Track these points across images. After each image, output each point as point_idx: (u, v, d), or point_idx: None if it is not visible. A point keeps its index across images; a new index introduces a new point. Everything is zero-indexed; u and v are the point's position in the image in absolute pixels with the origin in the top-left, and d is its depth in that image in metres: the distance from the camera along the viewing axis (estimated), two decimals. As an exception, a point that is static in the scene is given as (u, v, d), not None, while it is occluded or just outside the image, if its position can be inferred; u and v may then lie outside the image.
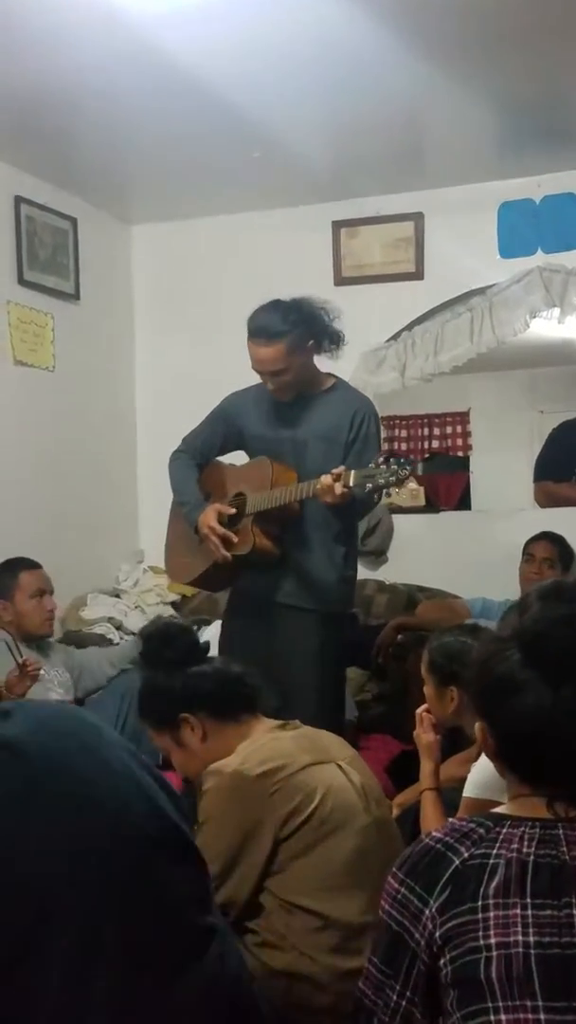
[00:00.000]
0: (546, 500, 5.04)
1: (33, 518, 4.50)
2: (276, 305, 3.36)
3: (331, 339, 3.44)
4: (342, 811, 2.19)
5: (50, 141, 4.30)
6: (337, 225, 4.99)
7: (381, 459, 3.09)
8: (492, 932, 1.30)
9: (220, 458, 3.72)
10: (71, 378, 4.87)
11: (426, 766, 2.75)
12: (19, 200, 4.56)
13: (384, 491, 3.08)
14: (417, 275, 4.89)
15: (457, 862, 1.36)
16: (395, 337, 4.94)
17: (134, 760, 1.57)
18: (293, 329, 3.31)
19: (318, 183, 4.77)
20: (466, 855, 1.37)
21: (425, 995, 1.36)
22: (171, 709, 2.37)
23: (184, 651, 2.45)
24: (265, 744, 2.29)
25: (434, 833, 1.44)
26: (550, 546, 4.51)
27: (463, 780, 2.53)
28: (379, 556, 5.15)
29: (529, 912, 1.30)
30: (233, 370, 3.57)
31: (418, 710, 2.84)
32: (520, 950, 1.29)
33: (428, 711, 2.82)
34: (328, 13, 3.22)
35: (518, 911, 1.31)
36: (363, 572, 4.97)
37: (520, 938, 1.29)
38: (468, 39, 3.46)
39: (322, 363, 3.55)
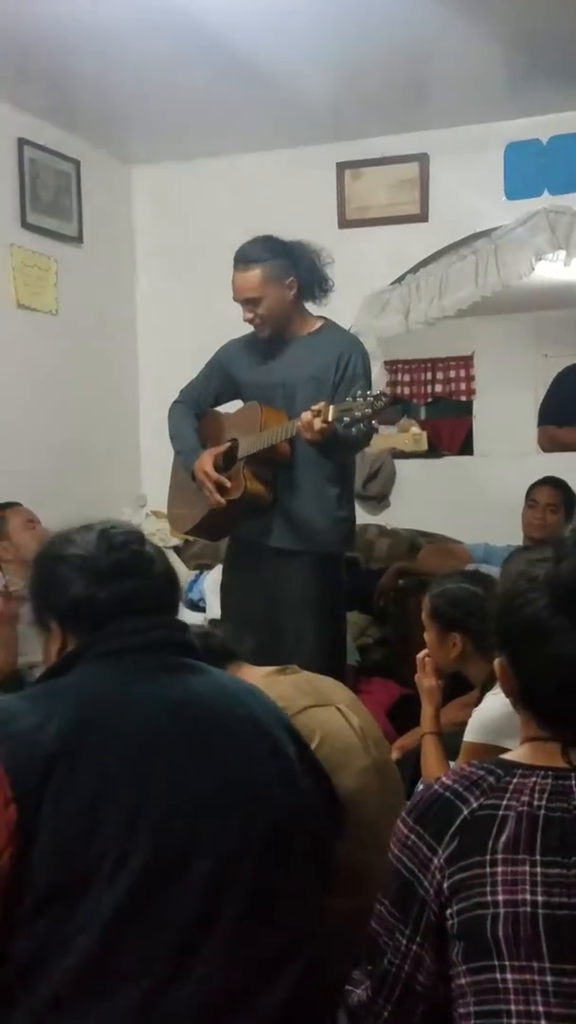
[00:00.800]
0: (550, 445, 5.00)
1: (35, 462, 4.48)
2: (262, 237, 3.40)
3: (319, 285, 3.46)
4: (341, 752, 2.17)
5: (52, 82, 4.23)
6: (341, 167, 4.90)
7: (358, 392, 3.10)
8: (500, 889, 1.28)
9: (218, 408, 3.71)
10: (74, 322, 4.82)
11: (427, 710, 2.75)
12: (22, 142, 4.48)
13: (363, 424, 3.10)
14: (422, 217, 4.82)
15: (466, 812, 1.34)
16: (399, 280, 4.88)
17: (294, 742, 1.70)
18: (271, 258, 3.35)
19: (321, 123, 4.68)
20: (475, 805, 1.34)
21: (435, 942, 1.35)
22: None
23: None
24: (263, 688, 2.29)
25: (443, 779, 1.41)
26: (553, 491, 4.46)
27: (464, 724, 2.53)
28: (381, 501, 5.13)
29: (538, 870, 1.28)
30: (234, 313, 3.53)
31: (419, 655, 2.83)
32: (528, 909, 1.26)
33: (429, 656, 2.81)
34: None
35: (527, 868, 1.28)
36: (365, 517, 4.96)
37: (528, 897, 1.27)
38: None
39: (322, 309, 3.54)
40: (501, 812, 1.33)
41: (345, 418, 3.05)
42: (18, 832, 1.38)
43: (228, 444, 3.47)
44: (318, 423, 3.07)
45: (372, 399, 3.04)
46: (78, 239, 4.85)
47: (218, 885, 1.45)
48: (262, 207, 4.74)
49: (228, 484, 3.39)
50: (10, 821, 1.38)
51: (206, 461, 3.43)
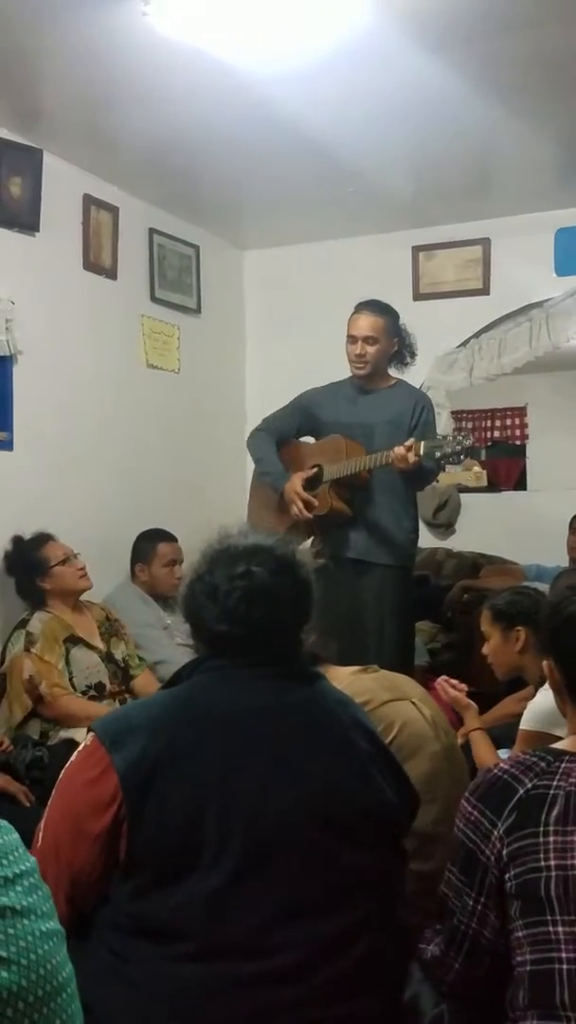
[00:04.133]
0: (592, 482, 4.93)
1: (160, 494, 4.53)
2: (382, 301, 3.53)
3: (409, 351, 3.56)
4: (416, 739, 2.16)
5: (177, 182, 4.30)
6: (416, 249, 4.89)
7: (447, 435, 3.18)
8: (552, 855, 1.27)
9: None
10: (193, 379, 4.87)
11: (467, 715, 2.73)
12: (152, 231, 4.58)
13: (449, 460, 3.13)
14: (484, 291, 4.79)
15: (521, 791, 1.33)
16: (464, 344, 4.85)
17: (370, 743, 1.62)
18: (393, 317, 3.48)
19: (400, 214, 4.69)
20: (529, 785, 1.34)
21: (497, 902, 1.34)
22: None
23: None
24: (350, 684, 2.26)
25: (502, 764, 1.40)
26: (593, 522, 4.43)
27: (519, 716, 2.50)
28: (448, 528, 5.10)
29: None
30: (325, 370, 3.56)
31: (437, 680, 2.80)
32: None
33: (490, 661, 2.75)
34: (411, 67, 3.15)
35: (574, 838, 1.27)
36: (434, 540, 4.94)
37: None
38: (530, 88, 3.36)
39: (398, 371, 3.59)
40: (552, 791, 1.31)
41: (436, 452, 3.10)
42: (128, 819, 1.40)
43: (313, 469, 3.48)
44: (411, 456, 3.10)
45: (461, 438, 3.11)
46: (197, 310, 4.92)
47: (302, 872, 1.41)
48: (350, 283, 4.74)
49: (315, 503, 3.42)
50: (119, 808, 1.40)
51: (296, 483, 3.46)
